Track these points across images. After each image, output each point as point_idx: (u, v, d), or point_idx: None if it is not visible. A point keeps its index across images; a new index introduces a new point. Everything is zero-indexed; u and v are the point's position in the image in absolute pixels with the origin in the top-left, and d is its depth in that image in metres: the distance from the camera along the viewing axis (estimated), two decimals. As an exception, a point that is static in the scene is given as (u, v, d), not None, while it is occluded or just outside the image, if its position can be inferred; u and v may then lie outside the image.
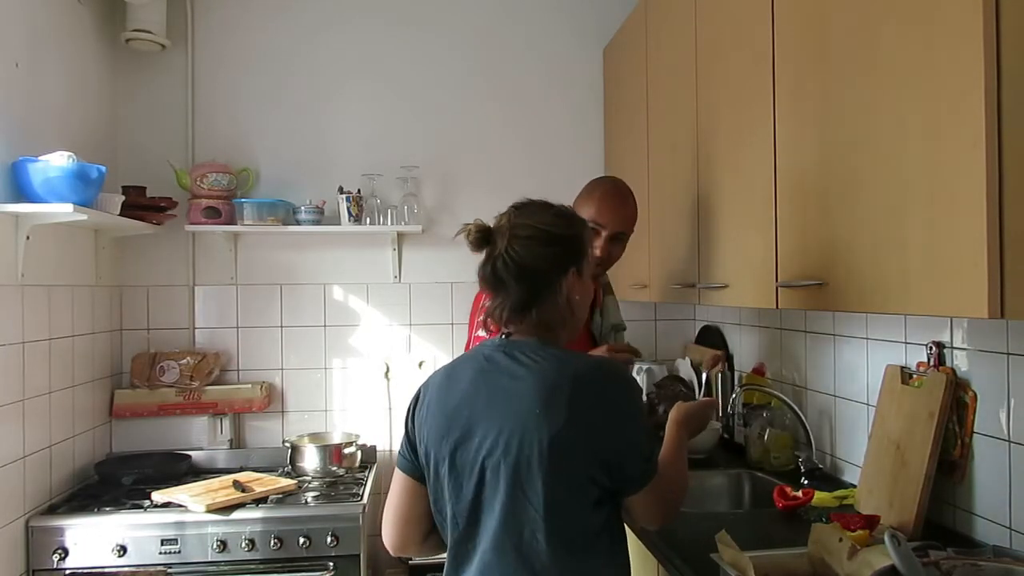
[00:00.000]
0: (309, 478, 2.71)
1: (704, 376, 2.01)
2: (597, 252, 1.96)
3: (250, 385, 2.97)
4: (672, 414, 1.56)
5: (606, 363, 1.37)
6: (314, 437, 2.89)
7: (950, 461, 1.66)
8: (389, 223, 3.00)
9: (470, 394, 1.33)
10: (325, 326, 3.08)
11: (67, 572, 2.27)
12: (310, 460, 2.74)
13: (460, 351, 1.98)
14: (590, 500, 1.27)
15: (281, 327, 3.06)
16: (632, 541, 1.84)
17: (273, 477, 2.67)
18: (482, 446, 1.27)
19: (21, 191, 2.19)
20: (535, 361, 1.30)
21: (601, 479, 1.27)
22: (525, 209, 1.39)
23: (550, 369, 1.29)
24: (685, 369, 2.85)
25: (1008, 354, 1.53)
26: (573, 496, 1.26)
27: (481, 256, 1.38)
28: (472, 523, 1.30)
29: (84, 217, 2.24)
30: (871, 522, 1.48)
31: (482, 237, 1.36)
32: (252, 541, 2.33)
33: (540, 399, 1.25)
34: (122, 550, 2.28)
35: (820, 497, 1.90)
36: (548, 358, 1.31)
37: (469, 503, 1.29)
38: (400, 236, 3.07)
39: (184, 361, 2.92)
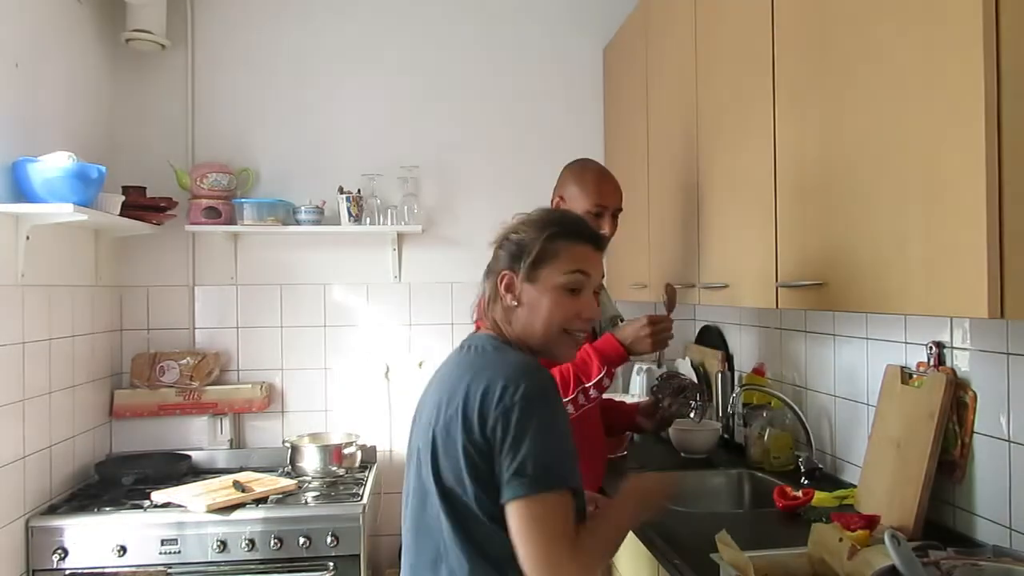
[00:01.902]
0: (309, 478, 2.70)
1: (667, 300, 1.94)
2: (606, 230, 1.98)
3: (250, 385, 2.98)
4: (631, 483, 1.42)
5: (533, 371, 1.28)
6: (314, 437, 2.89)
7: (950, 461, 1.65)
8: (389, 223, 3.00)
9: (429, 383, 1.43)
10: (325, 326, 3.08)
11: (67, 572, 2.27)
12: (310, 460, 2.74)
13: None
14: (472, 490, 1.23)
15: (281, 327, 3.06)
16: (632, 541, 1.84)
17: (273, 477, 2.67)
18: (415, 431, 1.39)
19: (21, 191, 2.19)
20: (477, 355, 1.35)
21: (470, 473, 1.23)
22: (518, 217, 1.46)
23: (478, 364, 1.32)
24: (685, 369, 2.86)
25: (1008, 354, 1.53)
26: (457, 485, 1.25)
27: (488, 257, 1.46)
28: (406, 504, 1.39)
29: (84, 217, 2.24)
30: (871, 522, 1.48)
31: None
32: (252, 541, 2.33)
33: (448, 388, 1.30)
34: (122, 550, 2.29)
35: (820, 497, 1.90)
36: (485, 354, 1.35)
37: (406, 485, 1.39)
38: (400, 236, 3.07)
39: (184, 361, 2.92)
